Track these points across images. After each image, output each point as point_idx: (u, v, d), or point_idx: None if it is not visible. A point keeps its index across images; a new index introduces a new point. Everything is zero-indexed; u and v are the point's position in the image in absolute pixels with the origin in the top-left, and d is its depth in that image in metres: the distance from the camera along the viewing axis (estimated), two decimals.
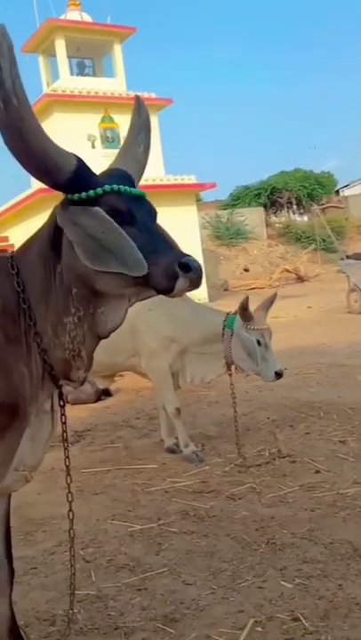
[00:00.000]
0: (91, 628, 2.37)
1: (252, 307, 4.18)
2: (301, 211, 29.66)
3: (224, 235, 25.51)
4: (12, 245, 18.20)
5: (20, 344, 1.83)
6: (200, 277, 1.67)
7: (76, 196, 1.69)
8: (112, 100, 18.08)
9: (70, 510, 2.18)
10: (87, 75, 19.51)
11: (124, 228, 1.68)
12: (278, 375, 4.15)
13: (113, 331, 1.89)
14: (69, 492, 2.17)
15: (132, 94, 18.89)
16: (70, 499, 2.17)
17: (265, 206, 28.65)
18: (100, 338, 1.88)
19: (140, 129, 1.97)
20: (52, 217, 1.80)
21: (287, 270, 22.52)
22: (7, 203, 18.31)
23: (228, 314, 4.29)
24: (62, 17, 18.72)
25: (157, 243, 1.70)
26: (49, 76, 19.36)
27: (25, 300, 1.80)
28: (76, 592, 2.41)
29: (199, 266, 1.66)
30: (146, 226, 1.73)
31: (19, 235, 18.00)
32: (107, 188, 1.69)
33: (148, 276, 1.67)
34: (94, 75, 19.63)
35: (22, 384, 1.84)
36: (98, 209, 1.67)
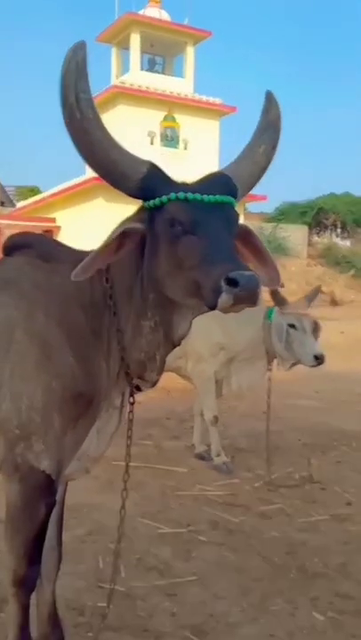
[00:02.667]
0: (120, 626, 2.36)
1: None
2: (345, 235, 29.36)
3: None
4: (59, 227, 18.41)
5: (102, 339, 1.85)
6: (251, 295, 1.48)
7: (146, 204, 1.69)
8: (177, 100, 18.15)
9: (123, 508, 2.16)
10: (156, 72, 19.59)
11: (184, 237, 1.62)
12: (318, 359, 3.95)
13: (183, 338, 1.88)
14: (125, 488, 2.16)
15: (197, 96, 19.01)
16: (125, 495, 2.15)
17: (309, 225, 28.44)
18: (173, 344, 1.87)
19: (266, 128, 1.86)
20: (136, 215, 1.77)
21: (322, 292, 22.29)
22: (60, 185, 18.45)
23: (268, 308, 4.20)
24: (141, 12, 18.82)
25: (215, 253, 1.57)
26: (119, 69, 19.52)
27: (111, 296, 1.81)
28: (107, 587, 2.41)
29: (252, 282, 1.48)
30: (209, 234, 1.61)
31: (66, 218, 18.19)
32: (172, 196, 1.64)
33: (200, 288, 1.58)
34: (163, 72, 19.71)
35: (100, 377, 1.85)
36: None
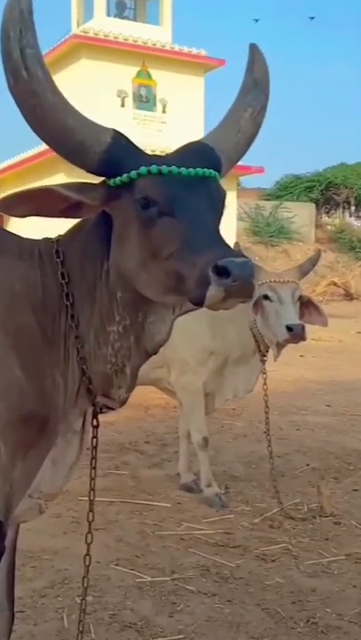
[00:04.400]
0: None
1: None
2: (360, 214, 29.66)
3: (263, 231, 25.56)
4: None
5: (58, 347, 1.83)
6: (246, 285, 1.48)
7: (112, 181, 1.67)
8: (152, 52, 18.23)
9: (87, 554, 2.17)
10: (126, 18, 19.69)
11: (160, 220, 1.61)
12: (290, 330, 3.86)
13: (160, 346, 1.88)
14: (90, 531, 2.16)
15: (177, 47, 19.11)
16: (90, 540, 2.16)
17: (317, 203, 28.68)
18: (148, 354, 1.87)
19: (251, 88, 1.87)
20: None
21: (335, 284, 22.50)
22: (9, 160, 18.42)
23: None
24: None
25: (198, 237, 1.56)
26: (81, 15, 19.56)
27: (69, 295, 1.79)
28: None
29: (247, 270, 1.47)
30: (190, 215, 1.60)
31: None
32: (143, 170, 1.63)
33: (181, 280, 1.57)
34: (135, 19, 19.82)
35: (56, 394, 1.84)
36: None
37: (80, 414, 1.95)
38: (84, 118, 1.67)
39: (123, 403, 1.95)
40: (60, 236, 1.89)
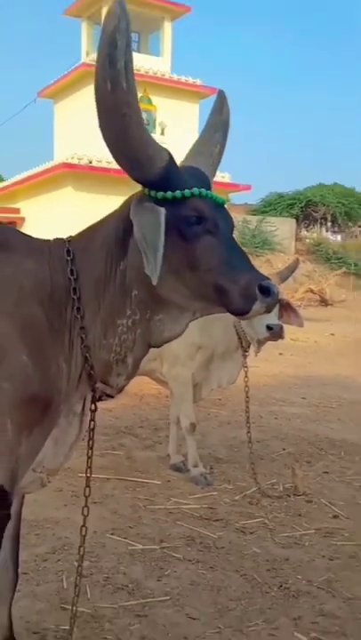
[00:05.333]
0: None
1: None
2: (336, 229, 29.71)
3: (249, 242, 25.51)
4: (23, 219, 18.29)
5: (63, 337, 1.81)
6: (275, 304, 1.71)
7: (161, 194, 1.68)
8: (153, 80, 18.19)
9: (84, 525, 2.16)
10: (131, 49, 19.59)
11: (204, 237, 1.68)
12: (270, 329, 3.89)
13: (168, 341, 1.88)
14: (86, 504, 2.16)
15: (175, 77, 19.08)
16: (86, 513, 2.16)
17: (297, 218, 28.69)
18: (150, 346, 1.87)
19: (219, 127, 1.95)
20: (124, 207, 1.78)
21: (312, 291, 22.49)
22: (24, 172, 18.34)
23: None
24: None
25: (237, 259, 1.70)
26: (89, 45, 19.50)
27: (76, 290, 1.78)
28: (70, 608, 2.40)
29: (278, 291, 1.68)
30: (226, 238, 1.72)
31: (32, 208, 18.08)
32: (195, 191, 1.69)
33: (223, 293, 1.67)
34: (138, 50, 19.75)
35: (59, 379, 1.83)
36: (162, 210, 1.65)
37: (80, 398, 1.93)
38: (151, 135, 1.68)
39: (120, 390, 1.95)
40: (70, 236, 1.90)
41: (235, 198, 26.31)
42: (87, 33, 19.57)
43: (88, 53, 19.03)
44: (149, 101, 18.20)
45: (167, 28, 19.29)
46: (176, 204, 1.68)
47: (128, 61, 1.56)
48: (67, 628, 2.32)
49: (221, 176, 18.37)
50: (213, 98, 2.11)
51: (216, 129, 1.95)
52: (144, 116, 15.26)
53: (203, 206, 1.70)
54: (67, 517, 3.53)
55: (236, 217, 26.09)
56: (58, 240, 1.90)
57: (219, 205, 1.75)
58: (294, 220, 28.16)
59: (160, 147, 1.69)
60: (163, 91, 18.44)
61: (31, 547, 3.19)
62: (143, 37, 20.12)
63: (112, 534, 3.40)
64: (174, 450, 4.69)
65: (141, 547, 3.27)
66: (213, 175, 1.93)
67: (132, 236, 1.73)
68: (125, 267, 1.76)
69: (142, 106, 17.82)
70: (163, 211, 1.65)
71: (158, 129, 18.29)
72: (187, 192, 1.68)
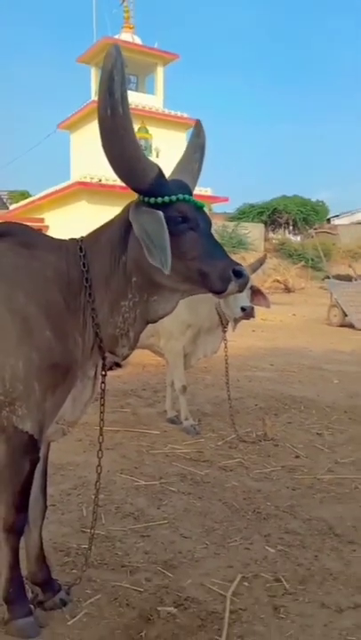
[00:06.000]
0: (100, 564, 2.37)
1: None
2: (296, 232, 29.57)
3: (227, 243, 25.36)
4: (47, 227, 18.10)
5: (78, 316, 1.82)
6: (247, 283, 1.72)
7: (153, 199, 1.69)
8: (149, 114, 17.89)
9: (99, 465, 2.14)
10: (130, 89, 19.25)
11: (188, 233, 1.70)
12: (244, 310, 3.85)
13: (162, 317, 1.89)
14: (100, 449, 2.15)
15: (167, 111, 18.79)
16: (100, 455, 2.15)
17: (266, 224, 28.55)
18: (148, 322, 1.87)
19: (198, 148, 1.96)
20: (124, 212, 1.78)
21: (278, 281, 22.47)
22: (47, 189, 18.13)
23: None
24: (116, 36, 18.46)
25: (215, 249, 1.72)
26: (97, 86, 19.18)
27: (87, 279, 1.79)
28: (88, 531, 2.40)
29: (248, 274, 1.72)
30: (206, 233, 1.75)
31: (54, 218, 17.90)
32: (180, 196, 1.71)
33: (205, 276, 1.69)
34: (137, 90, 19.40)
35: (75, 350, 1.83)
36: (160, 213, 1.66)
37: (93, 365, 1.93)
38: (144, 153, 1.68)
39: (125, 358, 1.94)
40: (82, 237, 1.89)
41: (216, 208, 26.11)
42: (96, 76, 19.19)
43: (96, 93, 18.73)
44: (146, 131, 17.91)
45: (160, 71, 18.92)
46: (165, 208, 1.68)
47: (124, 92, 1.56)
48: (86, 546, 2.32)
49: (205, 190, 18.16)
50: None
51: (195, 150, 1.97)
52: (142, 142, 15.01)
53: (186, 209, 1.71)
54: (85, 460, 3.53)
55: (217, 223, 25.95)
56: (72, 239, 1.89)
57: (199, 208, 1.78)
58: (263, 225, 28.00)
59: (151, 162, 1.69)
60: (157, 122, 18.17)
61: (57, 484, 3.18)
62: (140, 79, 19.75)
63: (121, 473, 3.40)
64: (170, 406, 4.69)
65: (144, 482, 3.27)
66: (194, 186, 1.92)
67: (130, 235, 1.73)
68: (126, 259, 1.76)
69: (141, 135, 17.75)
70: (161, 213, 1.65)
71: (154, 153, 18.03)
72: (173, 197, 1.70)
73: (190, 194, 1.80)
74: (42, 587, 2.03)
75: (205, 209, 1.84)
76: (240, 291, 1.73)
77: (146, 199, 1.70)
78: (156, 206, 1.68)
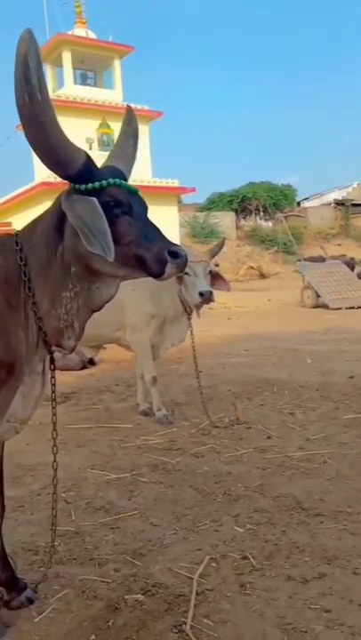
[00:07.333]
0: (69, 559, 2.36)
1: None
2: (267, 217, 29.74)
3: (200, 233, 25.47)
4: (14, 230, 17.90)
5: (19, 312, 1.78)
6: (186, 263, 1.70)
7: (83, 186, 1.66)
8: (109, 109, 17.75)
9: (55, 461, 2.14)
10: (89, 85, 19.10)
11: (123, 217, 1.68)
12: (202, 295, 3.84)
13: (106, 303, 1.86)
14: (55, 445, 2.14)
15: (126, 105, 18.70)
16: (55, 451, 2.14)
17: (236, 211, 28.67)
18: (92, 311, 1.85)
19: (130, 135, 1.95)
20: (57, 202, 1.75)
21: (252, 267, 22.63)
22: (12, 192, 17.91)
23: None
24: (70, 32, 18.26)
25: (150, 232, 1.70)
26: (55, 84, 18.93)
27: (26, 273, 1.75)
28: (58, 528, 2.39)
29: (185, 254, 1.69)
30: (141, 217, 1.72)
31: (20, 221, 17.68)
32: (110, 181, 1.67)
33: (141, 260, 1.67)
34: (95, 85, 19.23)
35: (19, 346, 1.80)
36: (94, 199, 1.63)
37: (40, 360, 1.90)
38: (68, 139, 1.63)
39: (72, 350, 1.92)
40: (17, 231, 1.86)
41: (185, 199, 26.09)
42: (52, 74, 18.97)
43: (54, 90, 18.48)
44: (108, 126, 17.79)
45: (117, 65, 18.77)
46: (97, 194, 1.65)
47: (40, 77, 1.52)
48: (55, 544, 2.31)
49: (172, 182, 18.14)
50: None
51: (128, 136, 1.95)
52: (104, 138, 14.89)
53: (118, 193, 1.68)
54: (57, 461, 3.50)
55: (188, 214, 25.98)
56: (7, 234, 1.86)
57: (132, 192, 1.74)
58: (234, 213, 28.14)
59: (77, 148, 1.65)
60: (118, 117, 17.95)
61: (27, 485, 3.17)
62: (98, 74, 19.55)
63: (92, 469, 3.39)
64: (142, 399, 4.68)
65: (115, 476, 3.26)
66: (130, 172, 1.89)
67: (66, 225, 1.70)
68: (63, 249, 1.73)
69: (102, 130, 17.63)
70: (95, 200, 1.63)
71: (114, 145, 17.96)
72: (104, 182, 1.67)
73: (125, 179, 1.78)
74: (6, 587, 2.02)
75: (140, 193, 1.83)
76: (180, 271, 1.72)
77: (76, 186, 1.68)
78: (88, 192, 1.66)
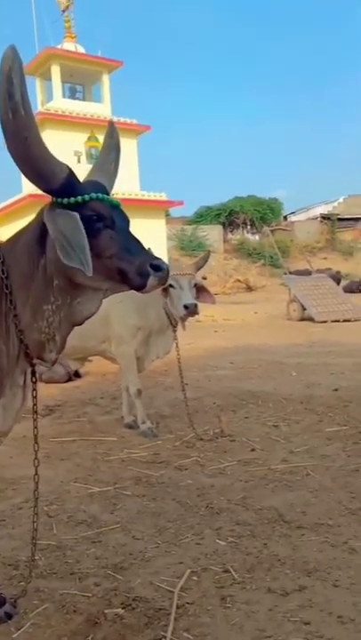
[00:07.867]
0: (50, 573, 2.35)
1: None
2: (254, 231, 30.02)
3: (187, 246, 25.61)
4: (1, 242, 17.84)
5: (1, 324, 1.79)
6: (167, 276, 1.72)
7: (66, 200, 1.68)
8: (98, 123, 17.85)
9: (36, 474, 2.14)
10: (77, 98, 19.25)
11: (105, 231, 1.70)
12: (187, 308, 3.86)
13: (88, 318, 1.87)
14: (36, 457, 2.13)
15: (115, 119, 18.81)
16: (37, 464, 2.13)
17: (223, 225, 28.91)
18: (74, 325, 1.86)
19: (112, 149, 1.97)
20: (40, 216, 1.77)
21: (239, 280, 22.76)
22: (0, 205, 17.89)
23: None
24: (59, 46, 18.42)
25: (132, 245, 1.72)
26: (44, 97, 19.04)
27: (7, 286, 1.76)
28: (39, 542, 2.39)
29: (167, 267, 1.71)
30: (123, 230, 1.75)
31: (8, 233, 17.59)
32: (93, 195, 1.69)
33: (124, 274, 1.69)
34: (84, 99, 19.38)
35: (1, 358, 1.80)
36: (76, 214, 1.65)
37: (21, 373, 1.91)
38: (51, 153, 1.66)
39: (53, 363, 1.93)
40: (0, 243, 1.87)
41: (173, 212, 26.24)
42: (41, 87, 19.09)
43: (43, 103, 18.59)
44: (96, 139, 17.86)
45: (105, 79, 18.95)
46: (79, 208, 1.67)
47: (24, 93, 1.55)
48: (36, 559, 2.30)
49: (160, 195, 18.26)
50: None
51: (110, 150, 1.98)
52: (93, 151, 14.96)
53: (100, 207, 1.71)
54: (39, 474, 3.48)
55: (175, 227, 26.14)
56: None
57: (114, 206, 1.76)
58: (221, 226, 28.37)
59: (60, 162, 1.68)
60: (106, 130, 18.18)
61: (9, 499, 3.14)
62: (87, 88, 19.72)
63: (75, 482, 3.37)
64: (127, 411, 4.68)
65: (98, 489, 3.25)
66: (112, 185, 1.92)
67: (48, 238, 1.72)
68: (45, 262, 1.75)
69: (91, 143, 17.72)
70: (77, 215, 1.65)
71: (98, 159, 18.06)
72: (86, 197, 1.69)
73: (107, 193, 1.81)
74: None
75: (122, 207, 1.85)
76: (162, 284, 1.74)
77: (59, 200, 1.70)
78: (70, 206, 1.68)
